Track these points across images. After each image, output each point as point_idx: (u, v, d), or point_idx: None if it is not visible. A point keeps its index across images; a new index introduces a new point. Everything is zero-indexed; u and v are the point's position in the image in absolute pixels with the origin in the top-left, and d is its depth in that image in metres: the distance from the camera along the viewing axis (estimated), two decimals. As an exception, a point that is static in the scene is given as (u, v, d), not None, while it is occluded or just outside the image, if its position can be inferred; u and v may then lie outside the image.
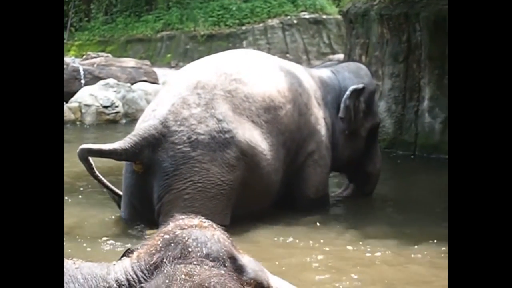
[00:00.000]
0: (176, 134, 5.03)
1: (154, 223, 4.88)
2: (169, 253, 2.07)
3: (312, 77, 6.00)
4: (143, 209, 5.13)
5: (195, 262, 2.05)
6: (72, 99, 11.53)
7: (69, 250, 4.23)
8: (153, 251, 2.11)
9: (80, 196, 6.17)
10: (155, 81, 13.12)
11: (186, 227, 2.14)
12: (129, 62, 13.64)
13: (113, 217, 5.50)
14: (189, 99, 5.17)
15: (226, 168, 5.05)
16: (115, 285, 2.09)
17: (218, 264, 2.07)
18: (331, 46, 17.98)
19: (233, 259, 2.11)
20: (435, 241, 4.92)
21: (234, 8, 18.20)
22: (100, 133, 10.39)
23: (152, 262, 2.09)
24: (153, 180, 5.04)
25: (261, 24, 18.00)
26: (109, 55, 14.70)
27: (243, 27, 17.92)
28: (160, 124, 5.06)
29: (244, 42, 17.59)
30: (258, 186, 5.26)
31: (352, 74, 6.18)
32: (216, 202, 5.03)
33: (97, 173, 5.18)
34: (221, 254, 2.09)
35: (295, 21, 18.08)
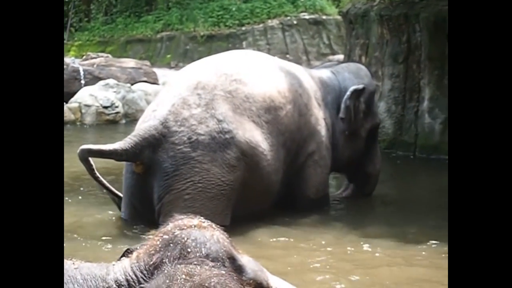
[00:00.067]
0: (176, 135, 5.03)
1: (154, 224, 4.87)
2: (169, 254, 2.07)
3: (312, 78, 6.01)
4: (144, 210, 5.13)
5: (195, 262, 2.05)
6: (72, 99, 11.53)
7: (69, 250, 4.22)
8: (153, 252, 2.11)
9: (80, 196, 6.17)
10: (155, 82, 13.12)
11: (185, 227, 2.14)
12: (129, 62, 13.64)
13: (113, 217, 5.50)
14: (189, 99, 5.17)
15: (227, 168, 5.05)
16: (114, 286, 2.09)
17: (218, 264, 2.07)
18: (331, 47, 17.98)
19: (232, 259, 2.12)
20: (435, 241, 4.92)
21: (234, 9, 18.21)
22: (100, 134, 10.39)
23: (151, 262, 2.09)
24: (154, 181, 5.04)
25: (261, 25, 18.00)
26: (109, 55, 14.71)
27: (243, 28, 17.92)
28: (160, 124, 5.06)
29: (244, 43, 17.59)
30: (258, 186, 5.26)
31: (352, 75, 6.19)
32: (216, 203, 5.03)
33: (98, 174, 5.17)
34: (220, 254, 2.09)
35: (295, 22, 18.08)
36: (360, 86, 6.02)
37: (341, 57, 12.15)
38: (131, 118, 11.30)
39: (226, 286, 2.01)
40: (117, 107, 11.49)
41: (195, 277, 2.00)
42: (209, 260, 2.07)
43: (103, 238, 5.01)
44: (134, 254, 2.17)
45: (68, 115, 11.14)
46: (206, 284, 1.99)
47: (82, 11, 20.42)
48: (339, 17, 15.87)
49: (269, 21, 18.08)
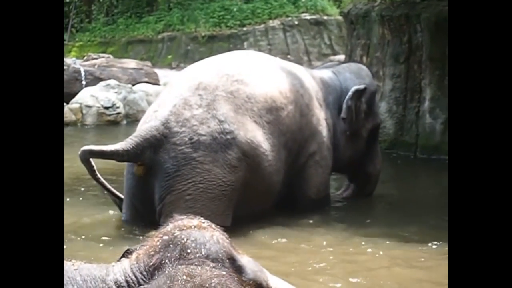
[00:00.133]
0: (177, 135, 5.03)
1: (155, 224, 4.87)
2: (168, 254, 2.07)
3: (313, 78, 6.01)
4: (145, 210, 5.12)
5: (196, 263, 2.05)
6: (73, 100, 11.53)
7: (69, 251, 4.23)
8: (152, 252, 2.11)
9: (80, 197, 6.17)
10: (156, 82, 13.12)
11: (185, 228, 2.14)
12: (130, 63, 13.65)
13: (113, 217, 5.50)
14: (190, 100, 5.17)
15: (228, 169, 5.05)
16: (114, 287, 2.09)
17: (219, 265, 2.07)
18: (332, 47, 17.99)
19: (232, 259, 2.12)
20: (436, 242, 4.92)
21: (235, 9, 18.21)
22: (101, 134, 10.39)
23: (151, 263, 2.09)
24: (155, 181, 5.03)
25: (262, 25, 18.00)
26: (110, 56, 14.72)
27: (244, 28, 17.92)
28: (161, 125, 5.06)
29: (245, 43, 17.60)
30: (259, 186, 5.26)
31: (353, 75, 6.19)
32: (217, 203, 5.03)
33: (99, 175, 5.17)
34: (220, 255, 2.09)
35: (296, 22, 18.08)
36: (362, 86, 6.03)
37: (342, 57, 12.16)
38: (132, 119, 11.30)
39: (227, 287, 2.01)
40: (118, 107, 11.49)
41: (196, 278, 2.00)
42: (209, 261, 2.07)
43: (103, 238, 5.01)
44: (134, 255, 2.17)
45: (69, 115, 11.14)
46: (207, 285, 1.99)
47: (83, 12, 20.44)
48: (340, 18, 15.86)
49: (270, 21, 18.08)
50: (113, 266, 2.16)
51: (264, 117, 5.32)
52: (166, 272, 2.03)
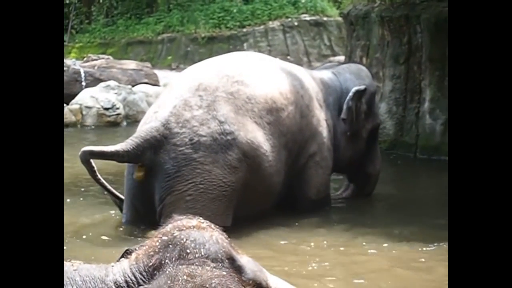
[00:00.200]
0: (178, 136, 5.03)
1: (155, 225, 4.87)
2: (168, 255, 2.07)
3: (313, 79, 6.02)
4: (145, 211, 5.12)
5: (197, 263, 2.05)
6: (73, 101, 11.52)
7: (69, 251, 4.23)
8: (152, 253, 2.11)
9: (80, 197, 6.17)
10: (156, 83, 13.11)
11: (184, 228, 2.14)
12: (130, 64, 13.64)
13: (113, 218, 5.50)
14: (191, 101, 5.17)
15: (228, 169, 5.05)
16: (114, 287, 2.10)
17: (219, 265, 2.07)
18: (332, 48, 17.98)
19: (231, 259, 2.12)
20: (436, 242, 4.92)
21: (235, 10, 18.20)
22: (101, 135, 10.39)
23: (150, 264, 2.09)
24: (155, 182, 5.03)
25: (262, 26, 17.99)
26: (110, 57, 14.70)
27: (244, 29, 17.91)
28: (162, 126, 5.07)
29: (245, 44, 17.59)
30: (260, 187, 5.26)
31: (353, 76, 6.21)
32: (218, 204, 5.03)
33: (99, 176, 5.17)
34: (219, 255, 2.09)
35: (296, 23, 18.07)
36: (362, 87, 6.04)
37: (342, 58, 12.16)
38: (132, 120, 11.29)
39: (227, 287, 2.02)
40: (118, 108, 11.48)
41: (196, 278, 2.00)
42: (209, 261, 2.07)
43: (103, 238, 5.01)
44: (133, 255, 2.17)
45: (69, 116, 11.13)
46: (207, 285, 1.99)
47: (83, 13, 20.43)
48: (340, 19, 15.87)
49: (270, 22, 18.07)
50: (112, 266, 2.16)
51: (264, 118, 5.32)
52: (167, 272, 2.03)
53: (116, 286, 2.09)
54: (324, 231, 5.32)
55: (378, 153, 6.47)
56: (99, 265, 2.17)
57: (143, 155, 5.00)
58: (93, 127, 11.22)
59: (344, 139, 6.04)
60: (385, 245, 4.95)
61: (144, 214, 5.13)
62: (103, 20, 19.83)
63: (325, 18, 18.31)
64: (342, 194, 6.46)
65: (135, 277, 2.09)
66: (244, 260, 2.16)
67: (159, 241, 2.12)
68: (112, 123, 11.35)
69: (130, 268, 2.11)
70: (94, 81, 12.32)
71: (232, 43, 17.53)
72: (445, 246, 4.78)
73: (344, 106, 5.97)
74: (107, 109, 11.38)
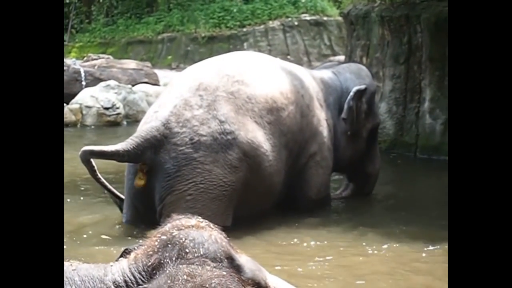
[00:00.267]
0: (178, 136, 5.03)
1: (156, 225, 4.86)
2: (167, 254, 2.07)
3: (314, 79, 6.02)
4: (145, 211, 5.12)
5: (197, 263, 2.05)
6: (73, 100, 11.53)
7: (69, 251, 4.23)
8: (151, 252, 2.11)
9: (80, 196, 6.17)
10: (156, 83, 13.13)
11: (183, 227, 2.14)
12: (130, 63, 13.65)
13: (113, 217, 5.50)
14: (191, 100, 5.17)
15: (229, 169, 5.05)
16: (112, 287, 2.09)
17: (219, 265, 2.07)
18: (332, 48, 17.99)
19: (230, 259, 2.11)
20: (436, 243, 4.92)
21: (235, 10, 18.21)
22: (101, 135, 10.39)
23: (149, 263, 2.09)
24: (155, 182, 5.03)
25: (262, 26, 18.00)
26: (110, 56, 14.71)
27: (244, 29, 17.92)
28: (162, 125, 5.06)
29: (245, 44, 17.60)
30: (260, 187, 5.26)
31: (354, 75, 6.21)
32: (218, 203, 5.03)
33: (99, 175, 5.17)
34: (218, 254, 2.09)
35: (296, 23, 18.08)
36: (363, 87, 6.04)
37: (342, 58, 12.16)
38: (132, 119, 11.30)
39: (227, 287, 2.02)
40: (118, 108, 11.48)
41: (196, 278, 2.00)
42: (209, 261, 2.07)
43: (103, 238, 5.01)
44: (132, 254, 2.17)
45: (69, 116, 11.14)
46: (207, 285, 1.99)
47: (83, 13, 20.44)
48: (340, 18, 15.87)
49: (270, 22, 18.08)
50: (111, 266, 2.15)
51: (264, 117, 5.32)
52: (167, 271, 2.03)
53: (115, 285, 2.09)
54: (324, 231, 5.32)
55: (377, 153, 6.48)
56: (97, 264, 2.17)
57: (144, 155, 5.00)
58: (93, 126, 11.22)
59: (345, 139, 6.05)
60: (385, 245, 4.94)
61: (144, 213, 5.13)
62: (103, 19, 19.84)
63: (325, 18, 18.33)
64: (342, 193, 6.46)
65: (134, 276, 2.09)
66: (243, 259, 2.16)
67: (158, 240, 2.12)
68: (112, 122, 11.35)
69: (129, 268, 2.11)
70: (94, 80, 12.33)
71: (232, 43, 17.53)
72: (445, 246, 4.78)
73: (345, 106, 5.98)
74: (107, 108, 11.39)
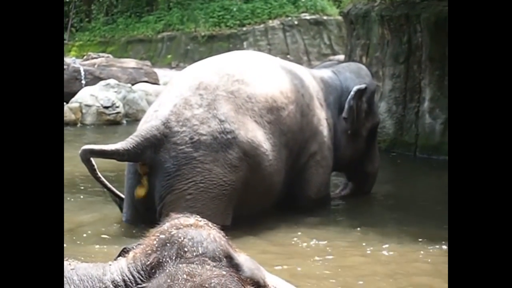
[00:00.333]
0: (178, 135, 5.03)
1: (155, 224, 4.86)
2: (165, 253, 2.07)
3: (314, 78, 6.02)
4: (145, 210, 5.12)
5: (196, 262, 2.05)
6: (73, 99, 11.53)
7: (69, 250, 4.23)
8: (149, 251, 2.10)
9: (80, 196, 6.17)
10: (155, 82, 13.13)
11: (181, 226, 2.13)
12: (130, 62, 13.65)
13: (113, 217, 5.50)
14: (191, 100, 5.17)
15: (228, 168, 5.05)
16: (111, 286, 2.09)
17: (219, 264, 2.07)
18: (331, 47, 17.99)
19: (229, 258, 2.11)
20: (436, 243, 4.92)
21: (234, 9, 18.21)
22: (101, 134, 10.39)
23: (148, 262, 2.09)
24: (155, 181, 5.03)
25: (262, 25, 18.01)
26: (110, 55, 14.72)
27: (244, 28, 17.92)
28: (162, 124, 5.06)
29: (245, 43, 17.60)
30: (260, 186, 5.26)
31: (353, 75, 6.22)
32: (218, 203, 5.02)
33: (99, 174, 5.17)
34: (217, 253, 2.09)
35: (295, 22, 18.08)
36: (363, 86, 6.05)
37: (341, 57, 12.16)
38: (132, 118, 11.30)
39: (227, 287, 2.01)
40: (117, 107, 11.48)
41: (196, 277, 2.00)
42: (208, 259, 2.07)
43: (103, 237, 5.01)
44: (131, 254, 2.17)
45: (68, 115, 11.14)
46: (207, 285, 1.99)
47: (83, 11, 20.45)
48: (340, 18, 15.88)
49: (270, 21, 18.08)
50: (110, 265, 2.15)
51: (265, 117, 5.32)
52: (167, 271, 2.03)
53: (114, 285, 2.09)
54: (324, 231, 5.32)
55: (376, 152, 6.49)
56: (96, 264, 2.17)
57: (144, 154, 5.00)
58: (92, 125, 11.22)
59: (345, 138, 6.05)
60: (385, 244, 4.94)
61: (144, 213, 5.13)
62: (103, 18, 19.85)
63: (325, 17, 18.33)
64: (341, 192, 6.47)
65: (132, 276, 2.09)
66: (241, 258, 2.16)
67: (157, 239, 2.12)
68: (112, 121, 11.35)
69: (128, 267, 2.11)
70: (94, 79, 12.33)
71: (232, 42, 17.54)
72: (445, 246, 4.78)
73: (346, 105, 5.98)
74: (106, 107, 11.39)
